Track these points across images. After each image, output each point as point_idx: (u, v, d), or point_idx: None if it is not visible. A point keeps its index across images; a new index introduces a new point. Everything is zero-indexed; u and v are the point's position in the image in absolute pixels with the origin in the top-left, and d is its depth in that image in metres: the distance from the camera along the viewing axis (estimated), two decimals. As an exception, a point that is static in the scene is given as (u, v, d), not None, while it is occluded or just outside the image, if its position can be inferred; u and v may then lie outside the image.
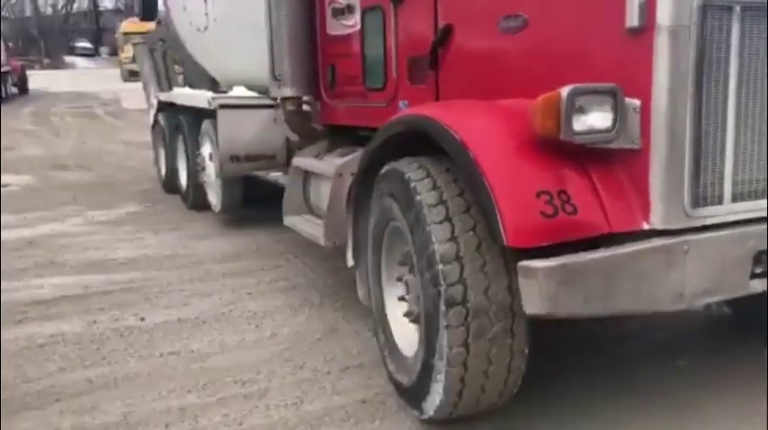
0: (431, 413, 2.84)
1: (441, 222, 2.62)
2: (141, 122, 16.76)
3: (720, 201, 2.63)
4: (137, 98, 22.53)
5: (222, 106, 6.40)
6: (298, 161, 4.71)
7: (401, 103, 3.90)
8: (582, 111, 2.47)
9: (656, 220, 2.53)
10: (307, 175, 4.71)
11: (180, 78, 10.47)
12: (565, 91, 2.44)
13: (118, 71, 34.25)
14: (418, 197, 2.71)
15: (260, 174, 6.37)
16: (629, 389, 3.28)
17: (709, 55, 2.48)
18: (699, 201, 2.57)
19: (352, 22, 4.24)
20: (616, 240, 2.52)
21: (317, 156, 4.73)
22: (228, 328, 4.16)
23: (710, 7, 2.45)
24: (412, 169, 2.85)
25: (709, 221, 2.60)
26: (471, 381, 2.68)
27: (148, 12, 10.97)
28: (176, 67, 10.39)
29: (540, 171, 2.51)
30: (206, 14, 6.95)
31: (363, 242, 3.55)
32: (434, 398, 2.77)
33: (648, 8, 2.46)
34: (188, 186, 7.93)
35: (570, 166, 2.56)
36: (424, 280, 2.68)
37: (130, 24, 37.45)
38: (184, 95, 8.01)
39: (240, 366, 3.62)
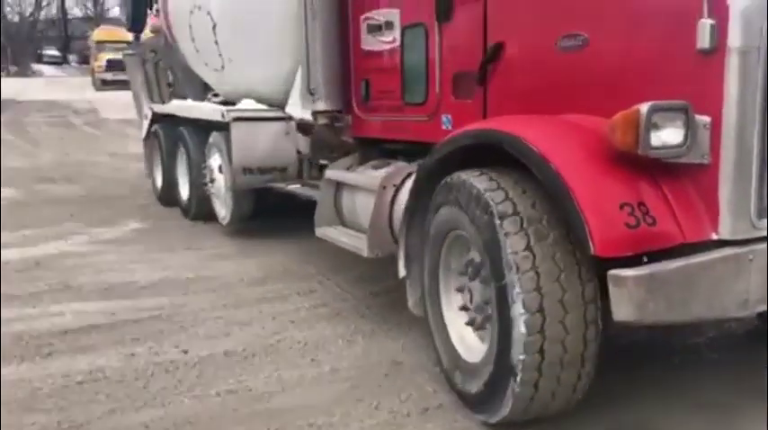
0: (500, 417, 2.92)
1: (516, 233, 2.72)
2: (123, 133, 16.60)
3: (778, 213, 2.78)
4: (114, 108, 22.35)
5: (236, 119, 6.43)
6: (331, 173, 4.78)
7: (444, 118, 4.01)
8: (656, 127, 2.60)
9: (725, 231, 2.67)
10: (339, 187, 4.78)
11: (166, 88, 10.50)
12: (644, 108, 2.57)
13: (88, 79, 33.76)
14: (492, 208, 2.80)
15: (277, 185, 6.40)
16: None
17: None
18: (763, 212, 2.72)
19: (391, 38, 4.34)
20: (686, 250, 2.65)
21: (348, 169, 4.80)
22: (282, 362, 3.87)
23: (775, 29, 2.61)
24: (482, 180, 2.94)
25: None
26: (544, 387, 2.78)
27: (137, 23, 10.99)
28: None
29: (620, 183, 2.63)
30: (220, 56, 7.01)
31: (413, 253, 3.64)
32: (506, 403, 2.85)
33: (719, 31, 2.61)
34: (190, 198, 7.92)
35: (645, 179, 2.69)
36: (500, 288, 2.76)
37: (103, 33, 37.11)
38: (189, 107, 8.00)
39: (309, 407, 3.35)
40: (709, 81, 2.65)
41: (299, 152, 6.58)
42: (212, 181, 7.17)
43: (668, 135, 2.63)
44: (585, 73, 3.15)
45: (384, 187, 4.11)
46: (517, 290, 2.66)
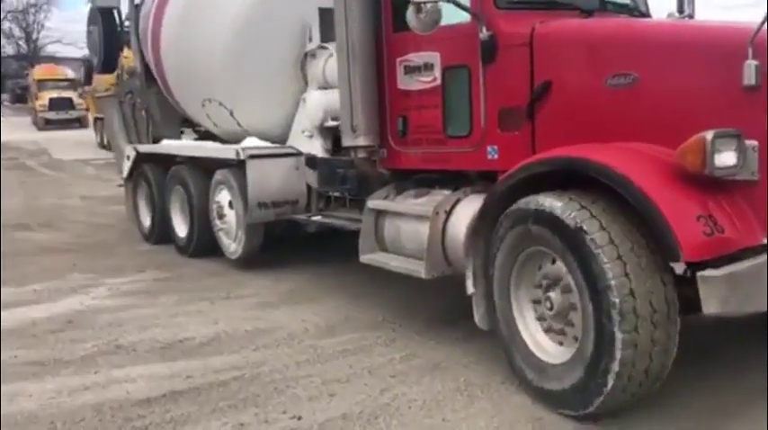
0: (592, 409, 3.32)
1: (606, 246, 3.16)
2: (85, 174, 16.38)
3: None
4: (63, 148, 21.91)
5: (252, 156, 6.72)
6: (372, 204, 5.13)
7: (489, 148, 4.45)
8: (719, 151, 3.11)
9: (776, 237, 3.20)
10: (380, 216, 5.12)
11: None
12: (709, 134, 3.09)
13: (27, 119, 32.83)
14: (581, 226, 3.23)
15: (300, 218, 6.69)
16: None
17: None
18: (802, 219, 3.26)
19: (431, 78, 4.77)
20: (745, 253, 3.15)
21: (386, 199, 5.17)
22: (413, 425, 3.62)
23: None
24: (563, 201, 3.38)
25: (806, 236, 3.29)
26: (635, 378, 3.20)
27: (109, 64, 11.09)
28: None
29: (693, 199, 3.14)
30: (220, 104, 7.48)
31: (477, 271, 4.04)
32: (600, 395, 3.24)
33: (761, 70, 3.16)
34: (190, 235, 8.05)
35: (710, 195, 3.20)
36: (596, 295, 3.18)
37: (43, 71, 36.26)
38: (193, 147, 8.22)
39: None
40: (755, 112, 3.20)
41: (308, 185, 6.94)
42: (221, 217, 7.38)
43: (727, 157, 3.15)
44: (635, 108, 3.66)
45: (437, 213, 4.49)
46: (613, 295, 3.09)
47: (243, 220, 7.00)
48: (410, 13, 4.16)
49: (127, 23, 10.36)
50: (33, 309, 6.00)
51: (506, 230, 3.73)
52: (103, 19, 10.51)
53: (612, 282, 3.10)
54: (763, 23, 3.12)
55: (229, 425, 3.68)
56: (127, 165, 9.73)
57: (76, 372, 4.49)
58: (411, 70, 4.91)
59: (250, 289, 6.50)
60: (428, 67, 4.78)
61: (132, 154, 9.53)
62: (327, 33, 7.11)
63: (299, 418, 3.73)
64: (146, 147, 9.31)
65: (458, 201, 4.55)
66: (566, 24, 4.17)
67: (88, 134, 25.89)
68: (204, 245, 7.85)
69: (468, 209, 4.44)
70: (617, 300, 3.09)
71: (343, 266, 6.85)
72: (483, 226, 3.98)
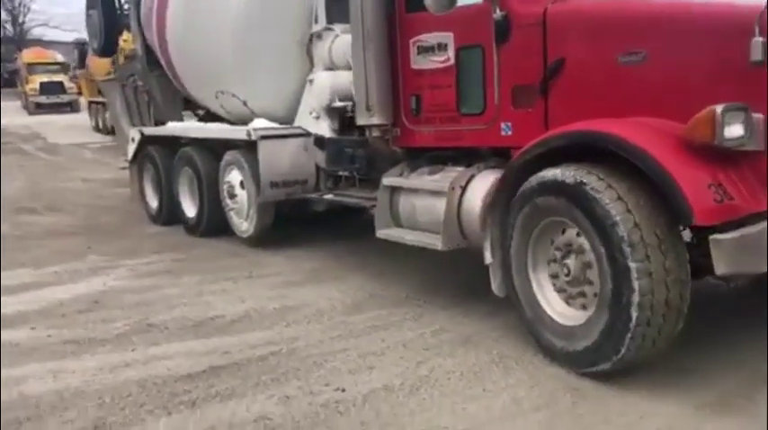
0: (616, 361, 3.53)
1: (624, 213, 3.37)
2: (83, 158, 16.44)
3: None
4: (57, 132, 21.84)
5: (264, 137, 6.88)
6: (387, 181, 5.31)
7: (503, 125, 4.63)
8: (728, 123, 3.32)
9: (778, 203, 3.42)
10: (394, 192, 5.31)
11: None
12: (719, 108, 3.29)
13: (17, 103, 32.61)
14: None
15: (313, 196, 6.87)
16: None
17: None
18: (803, 187, 3.48)
19: (444, 58, 4.93)
20: (749, 219, 3.37)
21: (400, 175, 5.35)
22: (455, 395, 3.68)
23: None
24: (582, 174, 3.58)
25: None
26: (650, 334, 3.43)
27: (109, 48, 11.15)
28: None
29: (703, 169, 3.34)
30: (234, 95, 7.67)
31: (494, 241, 4.25)
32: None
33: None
34: (199, 215, 8.20)
35: (718, 164, 3.40)
36: (613, 259, 3.40)
37: (32, 54, 35.93)
38: (202, 129, 8.35)
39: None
40: (761, 86, 3.40)
41: (316, 165, 7.11)
42: (232, 197, 7.54)
43: (735, 129, 3.35)
44: (646, 84, 3.85)
45: (453, 188, 4.69)
46: (630, 260, 3.31)
47: (254, 200, 7.17)
48: None
49: (126, 7, 10.46)
50: (56, 290, 6.06)
51: (525, 201, 3.94)
52: (103, 2, 10.55)
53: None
54: (769, 2, 3.32)
55: (275, 398, 3.73)
56: (132, 148, 9.86)
57: (114, 350, 4.57)
58: (424, 50, 5.07)
59: (271, 268, 6.58)
60: (441, 47, 4.94)
61: (137, 136, 9.64)
62: (333, 15, 7.27)
63: (343, 390, 3.79)
64: (152, 130, 9.43)
65: (472, 176, 4.74)
66: (577, 4, 4.33)
67: (81, 118, 25.88)
68: (214, 224, 8.02)
69: (482, 184, 4.64)
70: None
71: (358, 244, 7.10)
72: (500, 199, 4.18)
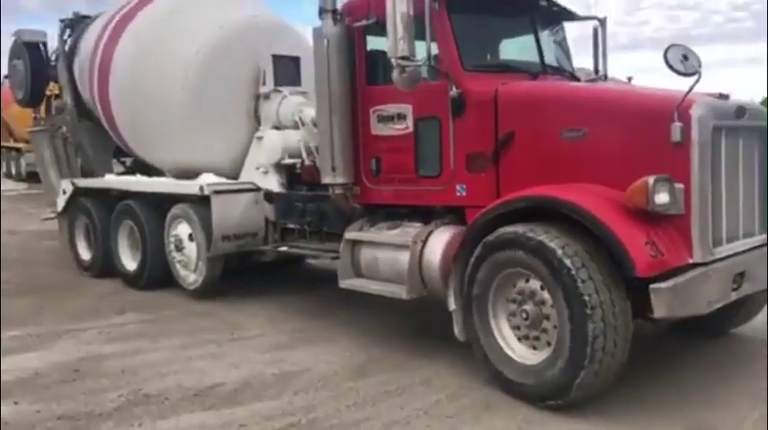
0: (573, 398, 4.14)
1: (580, 268, 4.02)
2: (2, 208, 15.48)
3: (722, 244, 4.35)
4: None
5: (216, 192, 7.20)
6: (350, 235, 5.78)
7: (458, 187, 5.24)
8: (657, 191, 4.05)
9: (697, 257, 4.19)
10: (356, 246, 5.78)
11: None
12: (651, 179, 4.03)
13: None
14: (558, 252, 4.08)
15: (266, 248, 7.22)
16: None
17: (718, 157, 4.23)
18: (715, 243, 4.26)
19: (403, 126, 5.52)
20: (676, 271, 4.09)
21: (360, 230, 5.84)
22: None
23: (717, 128, 4.22)
24: (536, 233, 4.21)
25: (717, 256, 4.30)
26: (604, 369, 4.06)
27: (35, 98, 11.09)
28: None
29: (640, 229, 4.05)
30: None
31: (459, 290, 4.79)
32: (578, 386, 4.07)
33: (685, 131, 4.14)
34: (141, 267, 8.29)
35: (650, 225, 4.12)
36: (572, 305, 4.02)
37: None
38: (149, 183, 8.49)
39: None
40: (680, 161, 4.18)
41: (266, 218, 7.48)
42: (180, 249, 7.73)
43: (662, 197, 4.09)
44: (586, 156, 4.57)
45: (415, 242, 5.22)
46: (588, 308, 3.95)
47: (204, 252, 7.42)
48: (395, 73, 4.92)
49: (53, 58, 10.48)
50: (27, 358, 5.64)
51: (486, 254, 4.51)
52: (30, 53, 10.51)
53: (586, 298, 3.97)
54: (686, 95, 4.12)
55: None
56: (63, 200, 9.80)
57: (118, 426, 4.31)
58: (384, 119, 5.65)
59: (252, 329, 6.40)
60: (401, 116, 5.54)
61: (69, 188, 9.62)
62: (280, 77, 7.79)
63: None
64: (89, 182, 9.45)
65: (431, 232, 5.30)
66: (525, 86, 5.07)
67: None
68: (157, 276, 8.15)
69: (440, 238, 5.22)
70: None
71: (314, 293, 7.43)
72: (463, 252, 4.74)
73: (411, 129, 5.49)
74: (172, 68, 7.78)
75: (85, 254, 9.44)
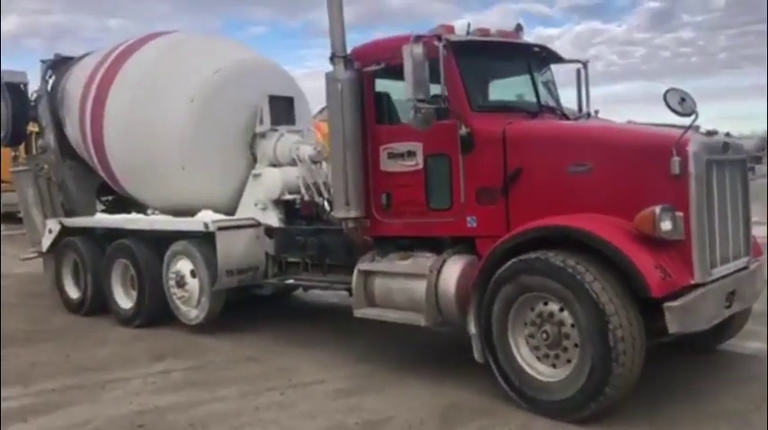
0: (598, 408, 4.50)
1: (601, 290, 4.42)
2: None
3: (717, 265, 4.83)
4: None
5: (221, 228, 7.41)
6: (363, 266, 6.08)
7: (469, 218, 5.61)
8: (662, 220, 4.51)
9: (698, 277, 4.66)
10: (369, 276, 6.08)
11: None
12: (657, 208, 4.49)
13: None
14: (579, 277, 4.48)
15: (271, 282, 7.46)
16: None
17: (711, 187, 4.73)
18: (711, 265, 4.74)
19: (414, 163, 5.89)
20: (681, 291, 4.54)
21: (372, 261, 6.14)
22: None
23: (709, 162, 4.72)
24: (558, 259, 4.61)
25: (714, 277, 4.77)
26: (625, 383, 4.44)
27: (17, 138, 11.12)
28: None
29: (650, 253, 4.50)
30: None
31: (478, 314, 5.13)
32: (601, 397, 4.45)
33: (683, 164, 4.63)
34: (138, 305, 8.35)
35: (657, 249, 4.57)
36: (595, 325, 4.41)
37: None
38: (149, 221, 8.63)
39: None
40: (679, 192, 4.66)
41: (266, 253, 7.71)
42: (182, 286, 7.86)
43: (667, 224, 4.55)
44: (591, 188, 5.02)
45: (431, 271, 5.55)
46: (611, 325, 4.35)
47: (207, 287, 7.58)
48: (412, 114, 5.29)
49: (34, 97, 10.55)
50: (78, 413, 5.30)
51: (508, 279, 4.88)
52: (12, 94, 10.55)
53: (609, 317, 4.38)
54: (685, 131, 4.62)
55: None
56: (49, 239, 9.80)
57: None
58: (394, 156, 6.01)
59: (308, 374, 6.08)
60: (411, 153, 5.90)
61: (56, 227, 9.64)
62: (276, 117, 8.09)
63: None
64: (81, 221, 9.49)
65: (444, 261, 5.64)
66: (531, 125, 5.52)
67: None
68: (155, 314, 8.24)
69: (453, 267, 5.58)
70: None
71: (325, 324, 7.56)
72: (482, 280, 5.10)
73: (421, 165, 5.86)
74: (169, 111, 7.99)
75: (74, 292, 9.44)
